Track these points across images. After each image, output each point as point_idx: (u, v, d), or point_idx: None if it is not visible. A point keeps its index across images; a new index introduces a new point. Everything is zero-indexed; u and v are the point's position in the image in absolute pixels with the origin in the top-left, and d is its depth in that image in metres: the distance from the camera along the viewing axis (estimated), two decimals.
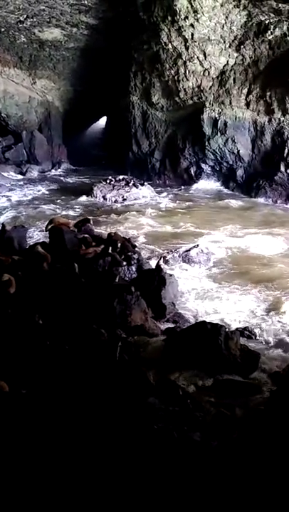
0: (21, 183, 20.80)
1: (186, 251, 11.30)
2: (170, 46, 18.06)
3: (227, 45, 17.54)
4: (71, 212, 15.87)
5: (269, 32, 16.44)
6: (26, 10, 18.92)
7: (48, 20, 19.72)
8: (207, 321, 7.44)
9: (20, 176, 21.66)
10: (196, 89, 18.89)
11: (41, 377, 5.70)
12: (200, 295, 9.40)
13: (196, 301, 9.19)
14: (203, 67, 18.28)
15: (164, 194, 18.49)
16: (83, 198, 17.71)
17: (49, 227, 10.98)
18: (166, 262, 10.56)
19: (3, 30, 20.38)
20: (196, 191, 19.07)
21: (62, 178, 22.65)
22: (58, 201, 17.70)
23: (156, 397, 5.45)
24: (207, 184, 19.68)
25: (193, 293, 9.49)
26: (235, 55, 17.75)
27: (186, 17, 16.71)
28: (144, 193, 17.98)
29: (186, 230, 13.75)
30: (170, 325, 8.21)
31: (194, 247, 11.52)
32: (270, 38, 16.61)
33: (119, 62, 21.11)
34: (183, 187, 19.83)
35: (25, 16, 19.40)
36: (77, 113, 25.20)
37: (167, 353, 7.03)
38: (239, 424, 5.21)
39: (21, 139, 24.14)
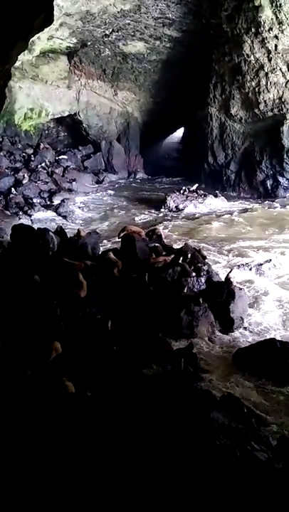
0: (97, 190, 21.43)
1: (259, 265, 11.01)
2: (252, 58, 17.88)
3: None
4: (143, 221, 16.08)
5: None
6: (112, 24, 19.63)
7: (133, 33, 20.31)
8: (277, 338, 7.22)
9: (96, 184, 22.30)
10: (277, 101, 18.50)
11: (107, 381, 5.80)
12: (270, 310, 9.09)
13: (265, 315, 8.89)
14: (285, 78, 17.90)
15: (238, 206, 18.20)
16: (156, 208, 17.88)
17: (121, 234, 11.17)
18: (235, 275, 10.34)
19: (89, 44, 21.26)
20: (272, 204, 18.57)
21: (137, 187, 23.05)
22: (132, 210, 18.04)
23: (220, 412, 5.34)
24: (283, 197, 19.11)
25: (264, 307, 9.18)
26: None
27: (271, 28, 16.51)
28: (217, 205, 17.81)
29: (259, 243, 13.39)
30: (237, 339, 8.03)
31: (267, 261, 11.21)
32: None
33: (198, 74, 21.23)
34: (258, 200, 19.41)
35: (110, 30, 20.12)
36: (155, 124, 25.64)
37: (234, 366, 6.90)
38: None
39: (100, 148, 24.91)
